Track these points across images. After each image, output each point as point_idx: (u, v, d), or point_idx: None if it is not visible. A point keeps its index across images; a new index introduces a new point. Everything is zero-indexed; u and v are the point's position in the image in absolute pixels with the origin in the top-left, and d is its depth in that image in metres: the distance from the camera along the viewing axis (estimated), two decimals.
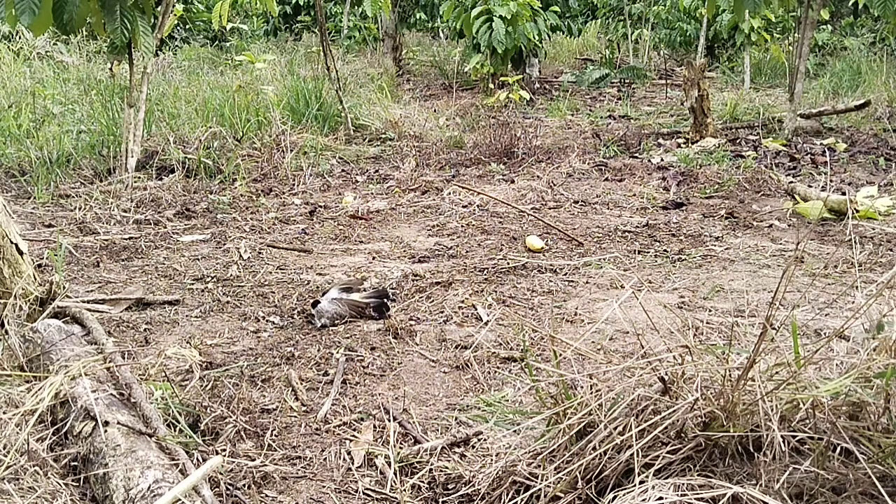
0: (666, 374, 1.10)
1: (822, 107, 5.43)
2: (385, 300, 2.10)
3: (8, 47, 6.98)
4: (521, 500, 1.13)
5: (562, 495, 1.10)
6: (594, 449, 1.09)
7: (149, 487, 1.13)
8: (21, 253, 1.87)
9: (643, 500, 0.99)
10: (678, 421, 1.07)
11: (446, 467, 1.32)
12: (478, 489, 1.21)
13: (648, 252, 2.62)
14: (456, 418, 1.52)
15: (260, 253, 2.69)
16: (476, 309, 2.12)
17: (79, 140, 4.15)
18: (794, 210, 3.12)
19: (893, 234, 2.72)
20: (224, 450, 1.38)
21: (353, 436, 1.47)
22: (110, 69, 6.15)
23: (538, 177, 3.83)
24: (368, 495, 1.29)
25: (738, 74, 8.41)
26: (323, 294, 2.11)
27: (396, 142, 4.73)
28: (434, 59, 9.14)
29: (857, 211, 2.93)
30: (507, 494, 1.16)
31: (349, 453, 1.41)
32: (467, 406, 1.58)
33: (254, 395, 1.60)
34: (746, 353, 1.08)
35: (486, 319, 2.03)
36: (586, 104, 6.50)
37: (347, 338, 1.94)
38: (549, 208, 3.31)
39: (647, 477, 1.03)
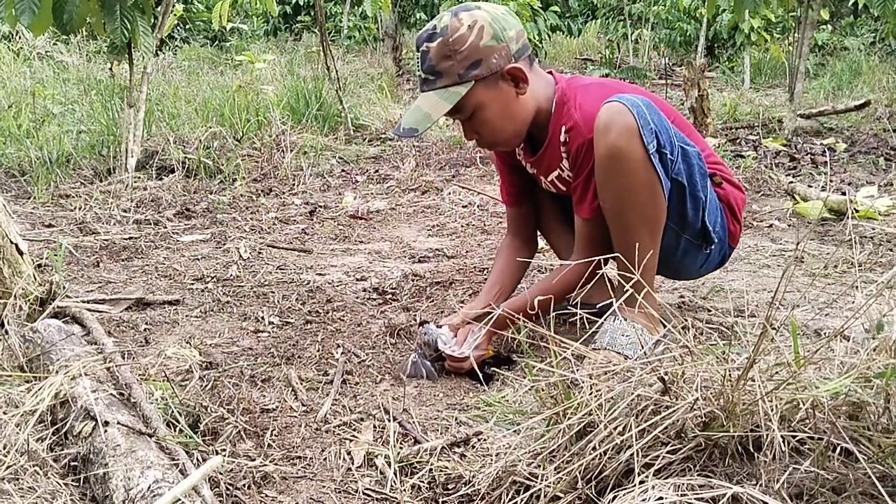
0: (666, 374, 1.10)
1: (822, 107, 5.44)
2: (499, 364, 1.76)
3: (8, 47, 6.98)
4: (521, 500, 1.13)
5: (562, 495, 1.10)
6: (594, 449, 1.09)
7: (149, 487, 1.13)
8: (21, 253, 1.87)
9: (643, 500, 0.99)
10: (678, 421, 1.07)
11: (446, 467, 1.32)
12: (478, 489, 1.21)
13: None
14: (456, 418, 1.52)
15: (260, 253, 2.69)
16: None
17: (79, 140, 4.15)
18: (794, 210, 3.12)
19: (893, 234, 2.72)
20: (224, 450, 1.38)
21: (353, 436, 1.47)
22: (110, 69, 6.15)
23: None
24: (368, 495, 1.29)
25: (738, 74, 8.41)
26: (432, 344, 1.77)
27: (396, 142, 4.73)
28: None
29: (857, 211, 2.93)
30: (507, 494, 1.16)
31: (349, 453, 1.41)
32: (467, 406, 1.59)
33: (254, 395, 1.60)
34: (746, 353, 1.08)
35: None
36: None
37: (348, 338, 1.94)
38: None
39: (647, 477, 1.03)
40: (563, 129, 1.74)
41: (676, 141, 1.66)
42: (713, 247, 1.83)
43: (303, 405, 1.59)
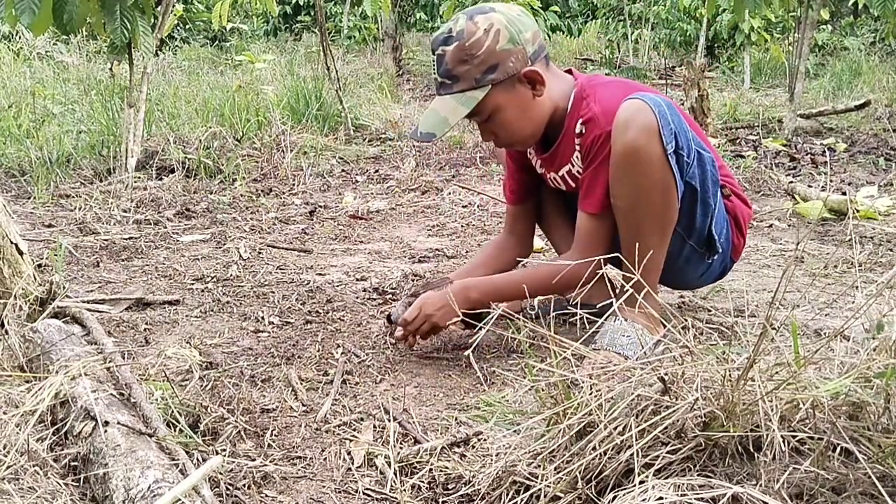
0: (666, 375, 1.10)
1: (822, 107, 5.44)
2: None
3: (8, 47, 6.99)
4: (521, 500, 1.13)
5: (562, 495, 1.10)
6: (594, 449, 1.09)
7: (149, 487, 1.13)
8: (21, 253, 1.87)
9: (643, 500, 0.99)
10: (678, 421, 1.07)
11: (446, 467, 1.32)
12: (478, 489, 1.21)
13: None
14: (456, 418, 1.52)
15: (260, 253, 2.69)
16: None
17: (79, 140, 4.15)
18: (794, 210, 3.12)
19: (893, 234, 2.72)
20: (224, 450, 1.38)
21: (353, 436, 1.47)
22: (110, 69, 6.16)
23: None
24: (368, 495, 1.29)
25: (738, 74, 8.41)
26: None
27: (396, 142, 4.73)
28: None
29: (857, 211, 2.93)
30: (507, 494, 1.16)
31: (349, 453, 1.41)
32: (467, 406, 1.59)
33: (254, 395, 1.61)
34: (746, 353, 1.08)
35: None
36: None
37: (348, 338, 1.94)
38: None
39: (647, 477, 1.03)
40: (580, 121, 1.73)
41: (693, 144, 1.65)
42: (716, 257, 1.82)
43: (303, 405, 1.59)
